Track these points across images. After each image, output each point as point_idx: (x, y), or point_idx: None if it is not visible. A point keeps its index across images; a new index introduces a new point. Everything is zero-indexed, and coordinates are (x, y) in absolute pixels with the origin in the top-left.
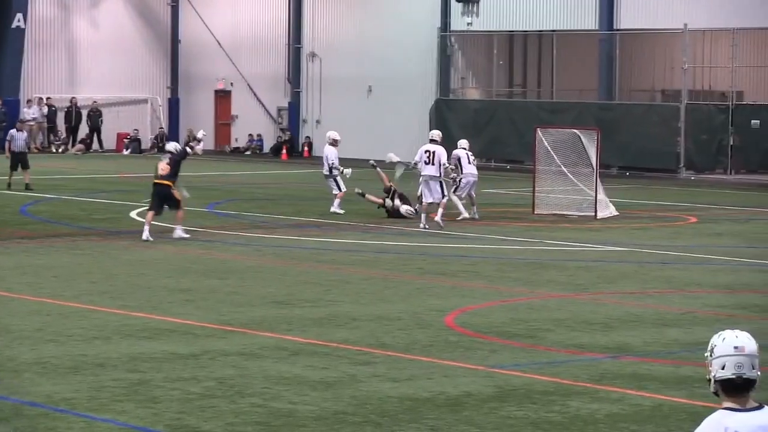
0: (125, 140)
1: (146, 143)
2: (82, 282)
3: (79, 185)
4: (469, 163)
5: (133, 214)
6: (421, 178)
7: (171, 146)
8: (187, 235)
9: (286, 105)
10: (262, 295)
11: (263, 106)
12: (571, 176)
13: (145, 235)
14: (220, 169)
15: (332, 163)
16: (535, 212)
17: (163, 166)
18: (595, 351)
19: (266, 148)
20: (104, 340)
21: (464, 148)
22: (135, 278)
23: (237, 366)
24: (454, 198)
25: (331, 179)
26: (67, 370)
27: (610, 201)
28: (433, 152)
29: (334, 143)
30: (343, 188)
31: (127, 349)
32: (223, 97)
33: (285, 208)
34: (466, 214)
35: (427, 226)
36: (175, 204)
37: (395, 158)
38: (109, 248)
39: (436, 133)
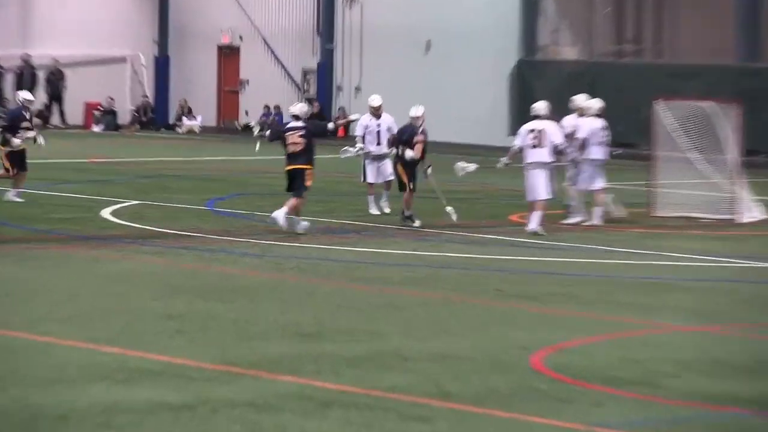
0: (96, 112)
1: (124, 117)
2: (37, 304)
3: (33, 174)
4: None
5: (106, 212)
6: (527, 168)
7: (297, 109)
8: (304, 225)
9: (315, 66)
10: (281, 324)
11: (283, 67)
12: (703, 166)
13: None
14: (224, 152)
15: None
16: (654, 214)
17: (295, 139)
18: (736, 404)
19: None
20: (67, 385)
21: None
22: (108, 300)
23: (246, 422)
24: (573, 191)
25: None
26: (17, 427)
27: (757, 199)
28: (541, 131)
29: (376, 111)
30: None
31: (99, 397)
32: (229, 55)
33: (312, 205)
34: (589, 218)
35: (540, 230)
36: (299, 189)
37: (472, 167)
38: (74, 259)
39: (542, 106)
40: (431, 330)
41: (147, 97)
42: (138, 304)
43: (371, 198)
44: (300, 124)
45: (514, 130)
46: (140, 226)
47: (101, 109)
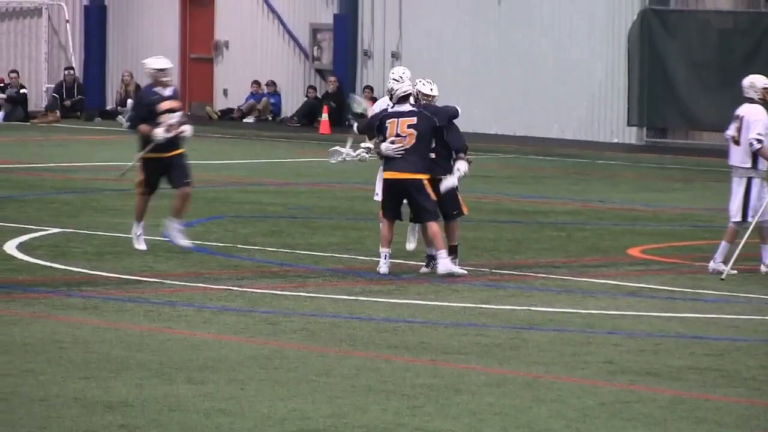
0: None
1: (38, 100)
2: None
3: None
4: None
5: (11, 246)
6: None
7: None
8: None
9: (330, 21)
10: (279, 418)
11: (282, 23)
12: None
13: (383, 267)
14: (190, 154)
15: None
16: None
17: (404, 129)
18: None
19: (287, 110)
20: None
21: None
22: (13, 383)
23: None
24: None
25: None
26: None
27: None
28: (741, 118)
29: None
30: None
31: None
32: (197, 4)
33: (325, 234)
34: None
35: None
36: (427, 212)
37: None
38: None
39: (756, 80)
40: (512, 426)
41: (73, 69)
42: (59, 389)
43: (410, 227)
44: (409, 107)
45: (636, 117)
46: (63, 266)
47: (4, 86)
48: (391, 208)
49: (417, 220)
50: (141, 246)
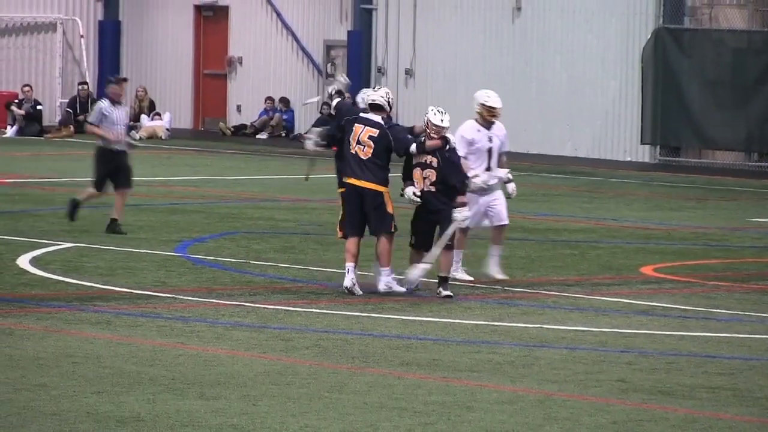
0: (11, 108)
1: (52, 115)
2: None
3: None
4: None
5: (24, 260)
6: None
7: (378, 95)
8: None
9: (344, 38)
10: None
11: (296, 39)
12: None
13: (349, 281)
14: (204, 169)
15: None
16: None
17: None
18: None
19: (301, 126)
20: None
21: None
22: (25, 397)
23: None
24: None
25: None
26: None
27: None
28: None
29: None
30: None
31: None
32: (212, 19)
33: (337, 251)
34: None
35: None
36: (382, 225)
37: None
38: None
39: None
40: None
41: (86, 84)
42: (71, 404)
43: (458, 255)
44: (376, 118)
45: (649, 136)
46: (76, 281)
47: (18, 102)
48: (352, 223)
49: (371, 231)
50: None
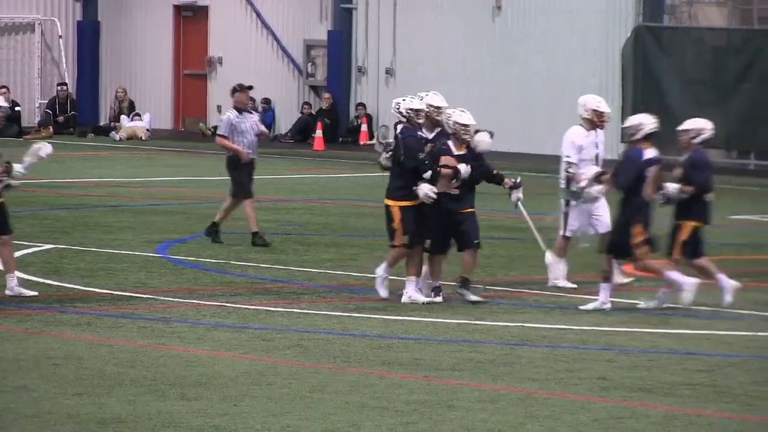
0: None
1: (31, 116)
2: None
3: None
4: None
5: None
6: None
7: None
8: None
9: (324, 38)
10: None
11: (276, 39)
12: None
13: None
14: (184, 169)
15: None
16: None
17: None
18: None
19: (282, 126)
20: None
21: None
22: (5, 399)
23: None
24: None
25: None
26: None
27: None
28: None
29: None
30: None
31: None
32: (192, 19)
33: (318, 251)
34: None
35: None
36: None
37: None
38: None
39: None
40: None
41: (66, 85)
42: (52, 406)
43: (559, 263)
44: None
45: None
46: (56, 282)
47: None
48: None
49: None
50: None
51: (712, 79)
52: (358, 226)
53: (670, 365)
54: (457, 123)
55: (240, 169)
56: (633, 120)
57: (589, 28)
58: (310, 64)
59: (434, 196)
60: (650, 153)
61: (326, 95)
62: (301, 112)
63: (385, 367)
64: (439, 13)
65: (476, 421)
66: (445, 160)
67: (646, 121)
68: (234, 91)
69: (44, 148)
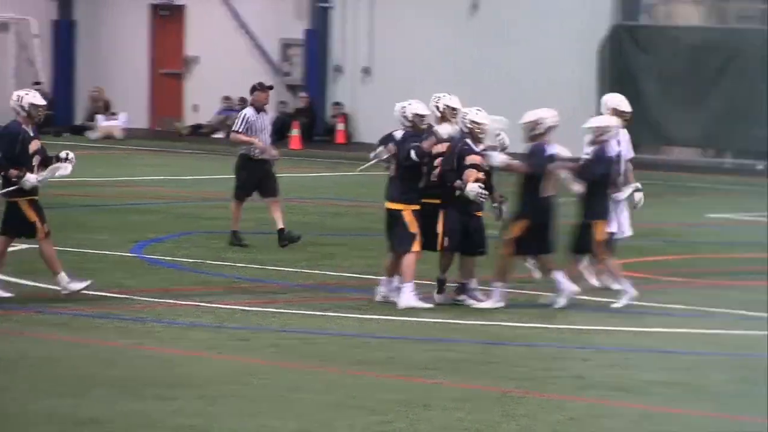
0: None
1: (4, 114)
2: None
3: None
4: None
5: None
6: None
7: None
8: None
9: (300, 36)
10: None
11: (252, 38)
12: None
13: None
14: (161, 169)
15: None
16: None
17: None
18: None
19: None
20: None
21: None
22: None
23: None
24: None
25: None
26: None
27: None
28: None
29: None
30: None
31: None
32: (168, 18)
33: (295, 250)
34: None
35: None
36: (404, 240)
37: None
38: None
39: None
40: None
41: (41, 83)
42: (29, 407)
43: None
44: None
45: None
46: (32, 283)
47: None
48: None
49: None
50: None
51: (689, 77)
52: (334, 225)
53: (646, 364)
54: (474, 122)
55: (246, 170)
56: (532, 115)
57: (566, 27)
58: (286, 62)
59: (486, 193)
60: (553, 148)
61: (303, 94)
62: (279, 111)
63: (361, 366)
64: (416, 11)
65: (452, 420)
66: (470, 158)
67: (546, 116)
68: (254, 89)
69: (62, 169)
